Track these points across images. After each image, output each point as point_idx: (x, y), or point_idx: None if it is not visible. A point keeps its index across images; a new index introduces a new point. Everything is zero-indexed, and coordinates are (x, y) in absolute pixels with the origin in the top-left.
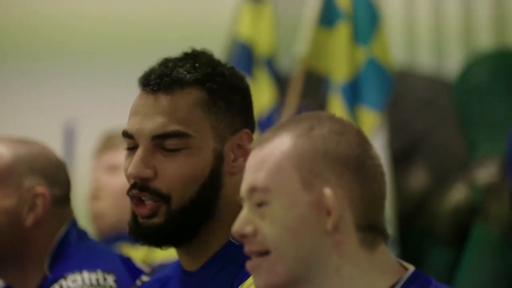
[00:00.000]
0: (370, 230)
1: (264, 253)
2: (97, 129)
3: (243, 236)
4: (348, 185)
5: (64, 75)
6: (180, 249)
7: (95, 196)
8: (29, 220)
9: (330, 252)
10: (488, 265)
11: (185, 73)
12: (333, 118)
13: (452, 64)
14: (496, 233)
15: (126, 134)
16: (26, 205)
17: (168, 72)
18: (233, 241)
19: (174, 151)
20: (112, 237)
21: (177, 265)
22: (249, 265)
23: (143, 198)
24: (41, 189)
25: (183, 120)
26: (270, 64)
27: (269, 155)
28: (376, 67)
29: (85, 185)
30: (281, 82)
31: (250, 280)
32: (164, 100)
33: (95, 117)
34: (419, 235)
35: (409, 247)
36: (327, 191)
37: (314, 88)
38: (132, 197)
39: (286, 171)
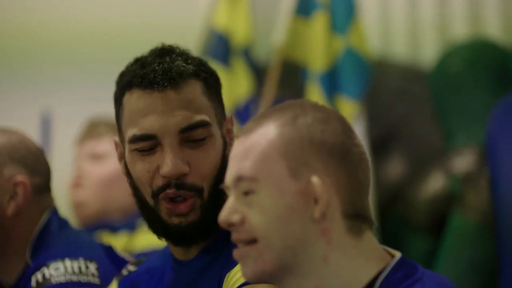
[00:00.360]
0: (356, 218)
1: (252, 241)
2: (73, 118)
3: (230, 224)
4: (334, 173)
5: (40, 64)
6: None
7: (76, 184)
8: (10, 209)
9: (318, 240)
10: (466, 254)
11: (184, 65)
12: (316, 106)
13: (427, 54)
14: (474, 222)
15: (144, 137)
16: (6, 194)
17: (170, 68)
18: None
19: (200, 142)
20: (93, 226)
21: (167, 255)
22: (236, 253)
23: (179, 196)
24: (21, 177)
25: (200, 110)
26: (247, 54)
27: (255, 144)
28: (354, 57)
29: (62, 174)
30: (258, 72)
31: (236, 268)
32: (174, 94)
33: (71, 105)
34: (397, 224)
35: (387, 235)
36: (315, 179)
37: (291, 78)
38: (163, 199)
39: (273, 160)
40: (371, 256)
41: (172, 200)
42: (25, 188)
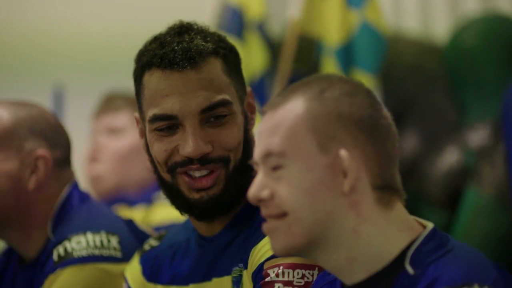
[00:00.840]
0: (386, 189)
1: (281, 215)
2: (86, 92)
3: (260, 200)
4: (363, 146)
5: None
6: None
7: (93, 158)
8: (31, 183)
9: (347, 213)
10: (481, 228)
11: (203, 43)
12: (343, 79)
13: (440, 29)
14: (489, 196)
15: (164, 117)
16: (27, 168)
17: (189, 47)
18: (249, 203)
19: (221, 120)
20: (110, 200)
21: (190, 230)
22: (265, 227)
23: (204, 170)
24: (42, 151)
25: (221, 89)
26: (261, 28)
27: (283, 119)
28: (370, 31)
29: (75, 149)
30: (272, 47)
31: (263, 242)
32: (194, 74)
33: (84, 80)
34: (412, 198)
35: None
36: (343, 152)
37: (307, 52)
38: (182, 173)
39: (302, 135)
40: (402, 227)
41: (192, 177)
42: (46, 161)
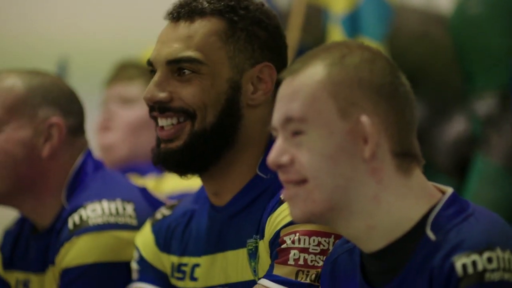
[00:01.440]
0: (405, 156)
1: (301, 182)
2: (89, 64)
3: (280, 165)
4: (383, 112)
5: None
6: (206, 183)
7: (105, 127)
8: (45, 150)
9: (368, 179)
10: (489, 195)
11: (206, 3)
12: (362, 46)
13: None
14: (497, 164)
15: (148, 62)
16: (41, 135)
17: (189, 2)
18: (260, 174)
19: (185, 76)
20: (121, 169)
21: (203, 200)
22: (285, 194)
23: (165, 119)
24: (56, 119)
25: (197, 47)
26: None
27: (303, 84)
28: None
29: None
30: (279, 16)
31: (280, 210)
32: (183, 28)
33: (87, 52)
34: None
35: None
36: (364, 118)
37: (312, 20)
38: (154, 121)
39: (322, 100)
40: (422, 193)
41: (162, 128)
42: (60, 129)
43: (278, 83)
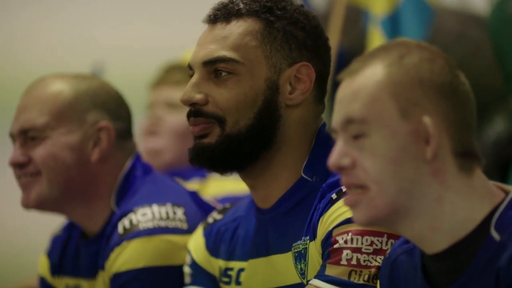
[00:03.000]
0: (466, 156)
1: (362, 186)
2: (126, 68)
3: (341, 168)
4: (444, 112)
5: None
6: (249, 184)
7: (152, 132)
8: (95, 155)
9: (430, 181)
10: None
11: (242, 4)
12: (421, 45)
13: None
14: None
15: (188, 66)
16: (90, 140)
17: (226, 4)
18: (305, 177)
19: (224, 78)
20: (165, 174)
21: (250, 204)
22: (347, 201)
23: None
24: (104, 123)
25: (232, 47)
26: (305, 0)
27: (363, 86)
28: (416, 0)
29: None
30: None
31: (332, 209)
32: (219, 29)
33: (124, 56)
34: None
35: None
36: (427, 119)
37: (353, 22)
38: (190, 122)
39: (383, 101)
40: (484, 193)
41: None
42: (109, 133)
43: (319, 83)
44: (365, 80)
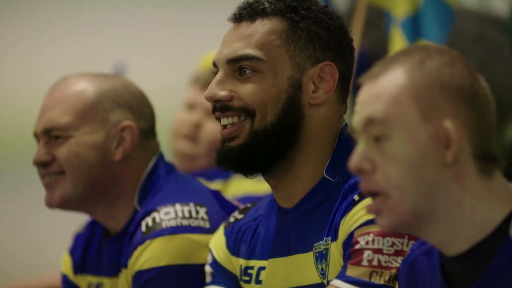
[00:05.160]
0: (486, 159)
1: (382, 194)
2: (147, 69)
3: (361, 172)
4: (464, 116)
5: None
6: (272, 184)
7: (192, 137)
8: (118, 154)
9: (451, 184)
10: None
11: (268, 3)
12: (441, 49)
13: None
14: None
15: (213, 64)
16: (114, 139)
17: (251, 3)
18: (327, 177)
19: (246, 75)
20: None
21: (271, 203)
22: (370, 209)
23: (226, 119)
24: (128, 122)
25: (257, 45)
26: (327, 1)
27: (384, 89)
28: (437, 2)
29: None
30: None
31: (354, 210)
32: (244, 28)
33: (145, 56)
34: None
35: None
36: (448, 123)
37: (374, 23)
38: (218, 121)
39: (405, 103)
40: (504, 195)
41: (224, 126)
42: (132, 132)
43: (342, 83)
44: (387, 83)
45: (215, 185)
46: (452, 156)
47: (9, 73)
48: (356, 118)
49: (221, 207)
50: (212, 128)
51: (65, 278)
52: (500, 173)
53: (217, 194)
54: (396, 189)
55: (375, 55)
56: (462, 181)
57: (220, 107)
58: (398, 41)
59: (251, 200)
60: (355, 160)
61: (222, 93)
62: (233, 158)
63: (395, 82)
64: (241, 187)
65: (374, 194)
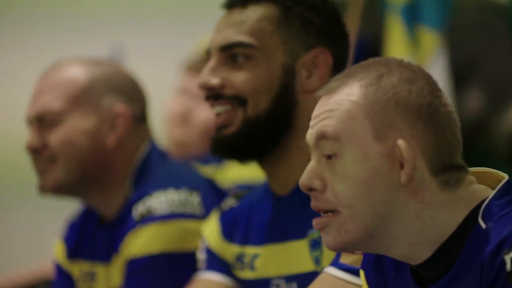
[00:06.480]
0: (449, 171)
1: (332, 211)
2: (145, 52)
3: (311, 189)
4: (421, 134)
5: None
6: (266, 172)
7: (183, 122)
8: (111, 139)
9: (407, 201)
10: None
11: None
12: (402, 64)
13: None
14: None
15: (206, 52)
16: (106, 125)
17: None
18: None
19: (240, 62)
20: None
21: (266, 190)
22: (316, 223)
23: (219, 106)
24: (120, 107)
25: (249, 32)
26: None
27: (339, 104)
28: None
29: None
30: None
31: None
32: (236, 15)
33: (143, 40)
34: (480, 156)
35: (471, 166)
36: (401, 142)
37: (370, 9)
38: (212, 108)
39: (358, 120)
40: (472, 200)
41: (218, 114)
42: (125, 118)
43: (336, 69)
44: (341, 99)
45: (208, 168)
46: (406, 176)
47: None
48: (309, 133)
49: (214, 194)
50: (204, 114)
51: (57, 266)
52: (468, 176)
53: (210, 181)
54: (346, 207)
55: (375, 43)
56: (420, 198)
57: (212, 95)
58: (396, 28)
59: (251, 186)
60: (305, 177)
61: (215, 80)
62: (227, 146)
63: (350, 97)
64: (241, 173)
65: (325, 212)
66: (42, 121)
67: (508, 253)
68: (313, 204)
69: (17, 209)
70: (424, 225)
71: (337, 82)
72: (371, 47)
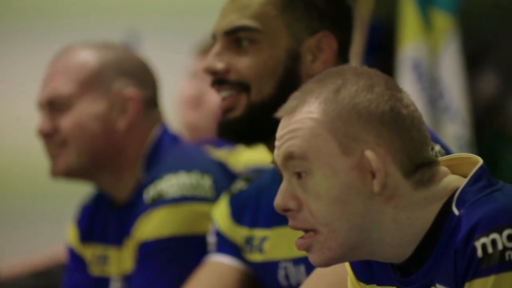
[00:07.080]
0: (422, 169)
1: (311, 230)
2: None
3: (287, 210)
4: (387, 141)
5: None
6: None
7: (195, 105)
8: (122, 123)
9: (383, 208)
10: None
11: None
12: (357, 73)
13: None
14: None
15: (212, 36)
16: (116, 108)
17: None
18: None
19: (245, 46)
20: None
21: (275, 173)
22: (299, 245)
23: (224, 91)
24: (130, 91)
25: (253, 16)
26: None
27: (301, 123)
28: None
29: None
30: None
31: None
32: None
33: (157, 26)
34: (493, 138)
35: (483, 151)
36: (368, 153)
37: None
38: (217, 93)
39: (322, 137)
40: (447, 191)
41: (223, 99)
42: (135, 102)
43: (341, 53)
44: (302, 117)
45: (221, 152)
46: (379, 185)
47: None
48: (276, 153)
49: (225, 177)
50: (216, 97)
51: (70, 250)
52: (441, 167)
53: (221, 164)
54: (324, 226)
55: (388, 26)
56: (396, 203)
57: (217, 80)
58: (409, 11)
59: (260, 170)
60: (279, 199)
61: (219, 65)
62: (231, 130)
63: (311, 115)
64: (254, 156)
65: (306, 231)
66: (52, 106)
67: (478, 239)
68: (291, 224)
69: (30, 195)
70: (402, 227)
71: (296, 101)
72: (384, 30)
